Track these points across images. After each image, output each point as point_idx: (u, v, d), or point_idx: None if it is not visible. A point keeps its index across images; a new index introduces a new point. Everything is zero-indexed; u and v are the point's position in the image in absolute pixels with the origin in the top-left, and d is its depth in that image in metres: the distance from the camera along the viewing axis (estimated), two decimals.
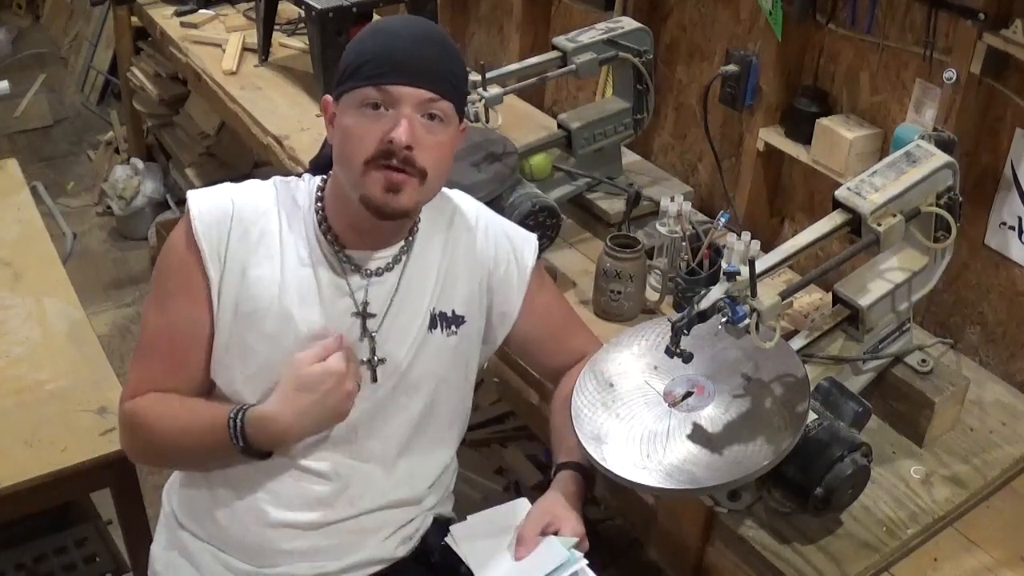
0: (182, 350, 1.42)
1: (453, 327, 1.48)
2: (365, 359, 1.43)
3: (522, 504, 1.47)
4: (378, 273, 1.43)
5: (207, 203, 1.41)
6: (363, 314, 1.43)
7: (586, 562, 1.35)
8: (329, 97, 1.40)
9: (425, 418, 1.49)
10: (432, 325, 1.47)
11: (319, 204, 1.43)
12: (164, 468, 1.61)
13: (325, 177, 1.45)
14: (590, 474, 1.48)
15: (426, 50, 1.33)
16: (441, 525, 1.54)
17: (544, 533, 1.39)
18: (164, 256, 1.45)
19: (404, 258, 1.45)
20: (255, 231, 1.41)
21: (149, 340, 1.44)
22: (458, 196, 1.56)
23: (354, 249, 1.42)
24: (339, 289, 1.42)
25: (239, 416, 1.36)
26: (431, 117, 1.33)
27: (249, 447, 1.37)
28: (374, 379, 1.44)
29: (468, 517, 1.49)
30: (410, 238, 1.46)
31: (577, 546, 1.37)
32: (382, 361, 1.44)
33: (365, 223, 1.39)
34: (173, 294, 1.42)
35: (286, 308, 1.39)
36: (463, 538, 1.44)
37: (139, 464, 1.55)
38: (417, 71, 1.31)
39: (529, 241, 1.57)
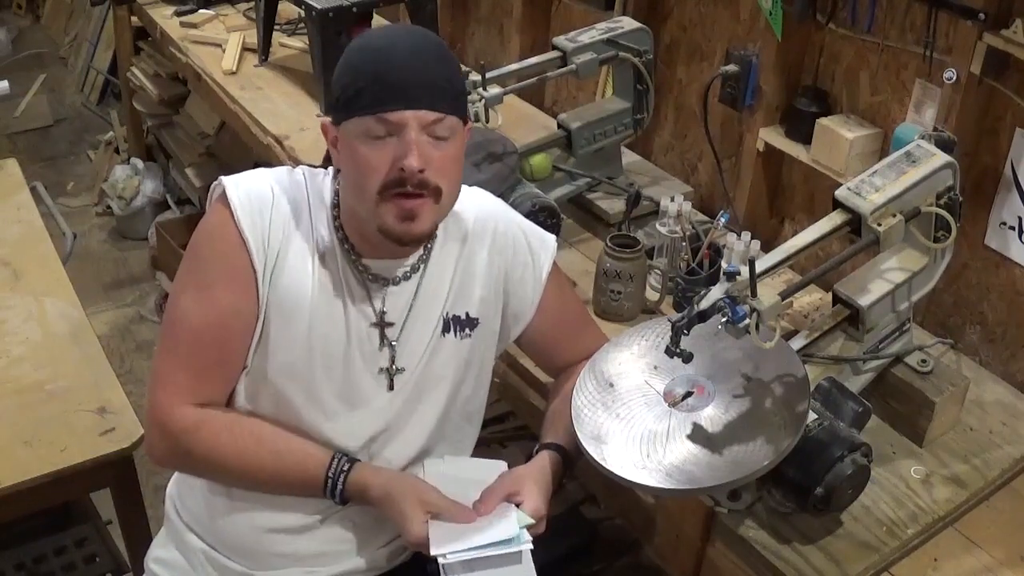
0: (229, 346, 1.37)
1: (467, 330, 1.47)
2: (384, 368, 1.43)
3: (499, 465, 1.46)
4: (395, 282, 1.42)
5: (246, 189, 1.37)
6: (381, 323, 1.42)
7: (531, 547, 1.34)
8: (326, 121, 1.36)
9: (441, 424, 1.48)
10: (445, 329, 1.45)
11: (335, 211, 1.40)
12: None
13: (340, 181, 1.41)
14: (571, 460, 1.46)
15: (421, 66, 1.29)
16: None
17: (508, 500, 1.38)
18: (202, 244, 1.38)
19: (422, 266, 1.44)
20: (292, 222, 1.38)
21: (192, 336, 1.36)
22: (478, 196, 1.53)
23: (371, 259, 1.40)
24: (360, 297, 1.40)
25: (340, 479, 1.37)
26: (437, 135, 1.30)
27: (345, 501, 1.39)
28: (391, 388, 1.43)
29: (445, 457, 1.49)
30: (428, 246, 1.44)
31: (535, 527, 1.36)
32: (400, 371, 1.43)
33: (381, 240, 1.36)
34: (218, 286, 1.35)
35: (315, 311, 1.37)
36: (434, 475, 1.44)
37: (169, 469, 1.51)
38: (416, 92, 1.27)
39: (546, 243, 1.55)
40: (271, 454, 1.38)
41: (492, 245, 1.49)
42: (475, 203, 1.51)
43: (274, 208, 1.37)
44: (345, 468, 1.37)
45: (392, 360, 1.42)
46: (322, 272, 1.38)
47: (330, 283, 1.39)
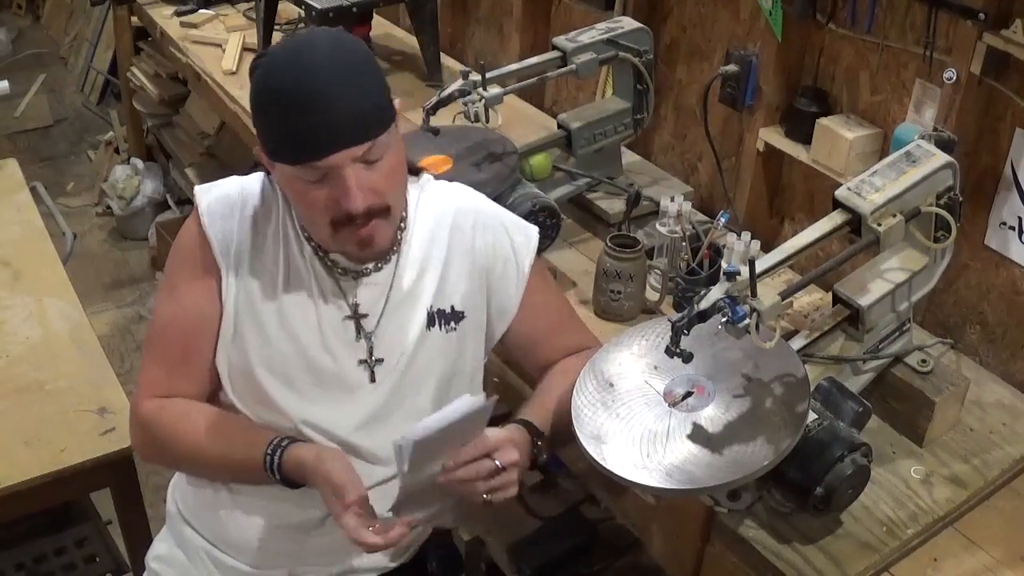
0: (192, 342, 1.43)
1: (452, 323, 1.48)
2: (363, 359, 1.44)
3: (465, 399, 1.33)
4: (367, 273, 1.43)
5: (215, 195, 1.42)
6: (355, 316, 1.43)
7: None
8: (258, 150, 1.35)
9: None
10: (430, 323, 1.46)
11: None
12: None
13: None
14: (537, 440, 1.42)
15: (341, 103, 1.23)
16: (440, 536, 1.53)
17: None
18: (175, 250, 1.46)
19: (394, 257, 1.44)
20: (260, 223, 1.42)
21: (159, 334, 1.46)
22: (460, 191, 1.54)
23: (337, 253, 1.41)
24: (331, 291, 1.42)
25: (276, 455, 1.37)
26: (370, 159, 1.28)
27: (287, 481, 1.38)
28: (372, 379, 1.44)
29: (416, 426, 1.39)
30: (398, 235, 1.44)
31: (507, 471, 1.31)
32: (379, 361, 1.44)
33: None
34: (183, 286, 1.43)
35: (286, 307, 1.41)
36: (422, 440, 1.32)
37: (148, 463, 1.58)
38: (342, 133, 1.24)
39: (529, 236, 1.54)
40: (222, 437, 1.41)
41: (473, 239, 1.49)
42: (456, 198, 1.52)
43: (242, 211, 1.41)
44: (284, 444, 1.37)
45: (370, 352, 1.43)
46: (291, 270, 1.42)
47: (300, 280, 1.42)
